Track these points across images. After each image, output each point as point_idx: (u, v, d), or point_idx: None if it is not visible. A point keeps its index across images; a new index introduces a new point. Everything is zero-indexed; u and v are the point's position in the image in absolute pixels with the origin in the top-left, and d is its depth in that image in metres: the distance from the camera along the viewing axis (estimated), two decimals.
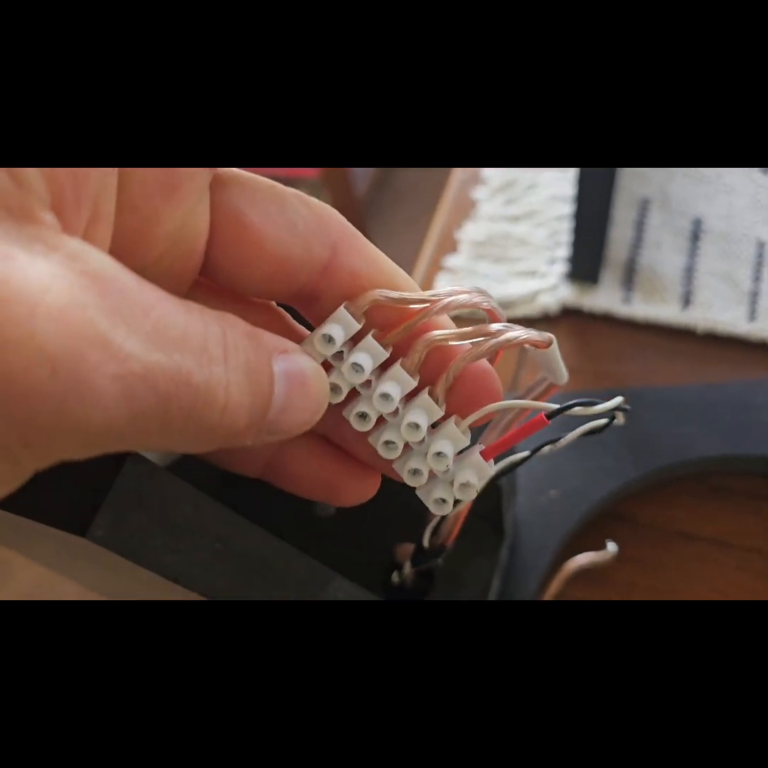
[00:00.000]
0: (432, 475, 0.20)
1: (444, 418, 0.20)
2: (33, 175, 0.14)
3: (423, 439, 0.20)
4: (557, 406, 0.20)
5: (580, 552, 0.38)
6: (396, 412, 0.20)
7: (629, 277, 0.49)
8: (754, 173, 0.53)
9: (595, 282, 0.48)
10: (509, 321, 0.20)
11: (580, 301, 0.48)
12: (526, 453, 0.23)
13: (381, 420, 0.20)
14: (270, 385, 0.17)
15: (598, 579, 0.39)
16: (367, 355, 0.19)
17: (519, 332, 0.19)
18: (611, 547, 0.38)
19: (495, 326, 0.19)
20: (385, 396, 0.19)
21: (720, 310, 0.46)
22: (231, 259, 0.19)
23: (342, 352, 0.20)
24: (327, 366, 0.19)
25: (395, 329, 0.19)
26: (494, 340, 0.19)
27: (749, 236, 0.49)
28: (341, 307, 0.19)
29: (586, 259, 0.47)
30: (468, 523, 0.37)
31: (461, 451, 0.20)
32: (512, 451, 0.22)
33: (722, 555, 0.39)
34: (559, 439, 0.24)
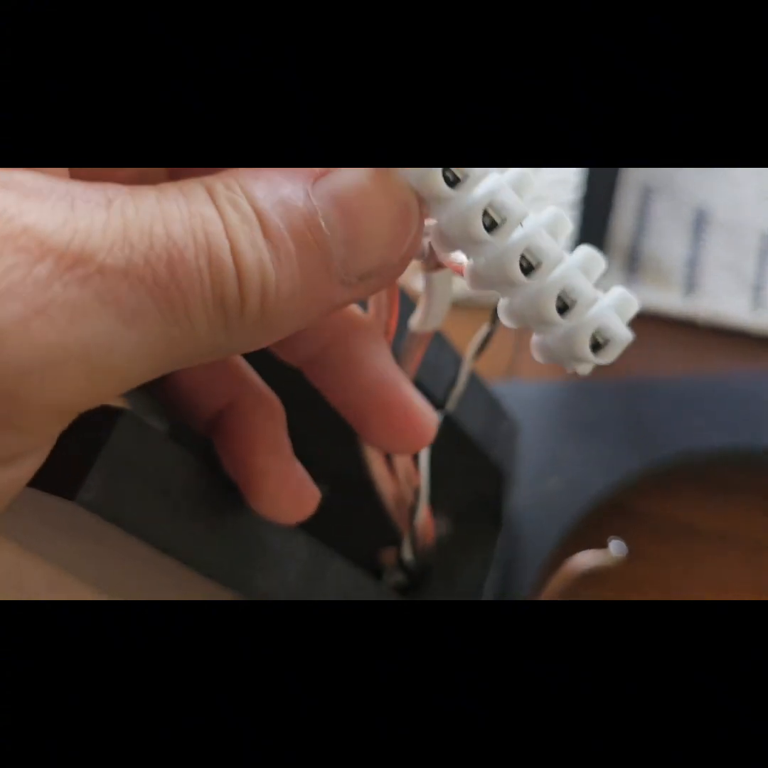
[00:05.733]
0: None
1: None
2: None
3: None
4: None
5: (581, 544, 0.36)
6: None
7: (631, 264, 0.47)
8: None
9: None
10: None
11: None
12: None
13: None
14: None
15: (598, 572, 0.37)
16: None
17: None
18: (618, 548, 0.36)
19: None
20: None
21: (723, 300, 0.45)
22: None
23: None
24: None
25: None
26: None
27: (754, 228, 0.48)
28: None
29: (591, 244, 0.46)
30: (464, 512, 0.36)
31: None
32: None
33: (727, 550, 0.37)
34: None
